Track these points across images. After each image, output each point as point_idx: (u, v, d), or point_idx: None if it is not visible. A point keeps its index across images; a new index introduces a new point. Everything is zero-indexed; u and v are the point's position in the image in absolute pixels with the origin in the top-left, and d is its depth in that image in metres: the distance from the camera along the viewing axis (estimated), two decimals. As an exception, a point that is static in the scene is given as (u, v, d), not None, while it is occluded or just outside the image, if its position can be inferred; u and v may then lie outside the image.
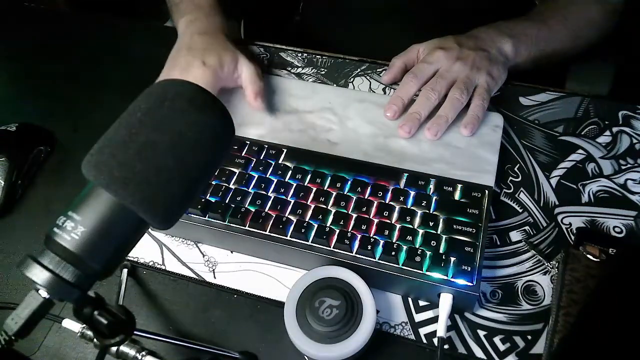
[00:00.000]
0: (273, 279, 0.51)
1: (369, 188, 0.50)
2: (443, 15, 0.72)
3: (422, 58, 0.60)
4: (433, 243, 0.46)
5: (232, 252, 0.53)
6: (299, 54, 0.69)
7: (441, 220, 0.48)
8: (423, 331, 0.47)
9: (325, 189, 0.51)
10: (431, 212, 0.49)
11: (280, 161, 0.54)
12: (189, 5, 0.65)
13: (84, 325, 0.42)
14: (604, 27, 0.67)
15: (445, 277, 0.45)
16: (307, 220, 0.49)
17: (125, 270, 0.50)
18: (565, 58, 0.68)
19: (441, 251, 0.46)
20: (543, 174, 0.55)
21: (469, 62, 0.57)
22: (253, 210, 0.50)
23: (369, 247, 0.46)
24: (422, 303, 0.48)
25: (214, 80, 0.58)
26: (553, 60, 0.65)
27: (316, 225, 0.49)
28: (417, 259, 0.45)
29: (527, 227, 0.52)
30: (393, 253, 0.46)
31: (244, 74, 0.60)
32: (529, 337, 0.46)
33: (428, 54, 0.59)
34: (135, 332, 0.34)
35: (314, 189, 0.51)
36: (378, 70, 0.66)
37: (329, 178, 0.52)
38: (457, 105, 0.55)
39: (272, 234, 0.49)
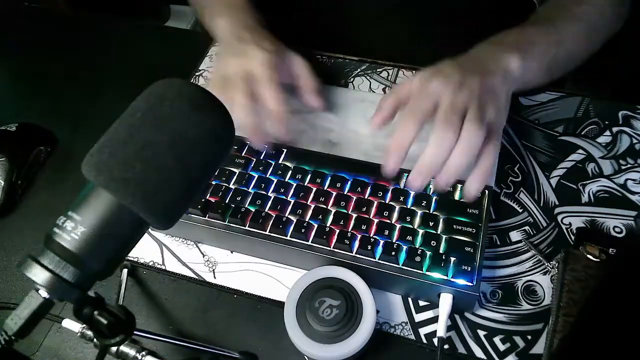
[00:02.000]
0: (273, 279, 0.51)
1: (369, 188, 0.50)
2: (443, 15, 0.72)
3: (418, 90, 0.47)
4: (433, 243, 0.46)
5: (232, 252, 0.53)
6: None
7: (441, 220, 0.48)
8: (423, 331, 0.47)
9: (325, 189, 0.51)
10: (431, 212, 0.49)
11: (280, 161, 0.54)
12: (224, 6, 0.64)
13: (84, 325, 0.42)
14: (617, 13, 0.58)
15: (445, 277, 0.45)
16: (307, 220, 0.49)
17: (125, 270, 0.50)
18: (582, 59, 0.57)
19: (441, 251, 0.46)
20: (543, 174, 0.55)
21: (475, 90, 0.45)
22: (253, 210, 0.50)
23: (369, 247, 0.46)
24: (422, 303, 0.48)
25: (276, 61, 0.53)
26: (570, 66, 0.56)
27: (316, 225, 0.49)
28: (417, 259, 0.45)
29: (527, 227, 0.52)
30: (393, 253, 0.46)
31: (300, 68, 0.57)
32: (529, 337, 0.46)
33: (424, 85, 0.47)
34: (135, 332, 0.34)
35: (314, 189, 0.51)
36: (378, 70, 0.66)
37: (329, 178, 0.52)
38: (475, 144, 0.43)
39: (272, 234, 0.49)
